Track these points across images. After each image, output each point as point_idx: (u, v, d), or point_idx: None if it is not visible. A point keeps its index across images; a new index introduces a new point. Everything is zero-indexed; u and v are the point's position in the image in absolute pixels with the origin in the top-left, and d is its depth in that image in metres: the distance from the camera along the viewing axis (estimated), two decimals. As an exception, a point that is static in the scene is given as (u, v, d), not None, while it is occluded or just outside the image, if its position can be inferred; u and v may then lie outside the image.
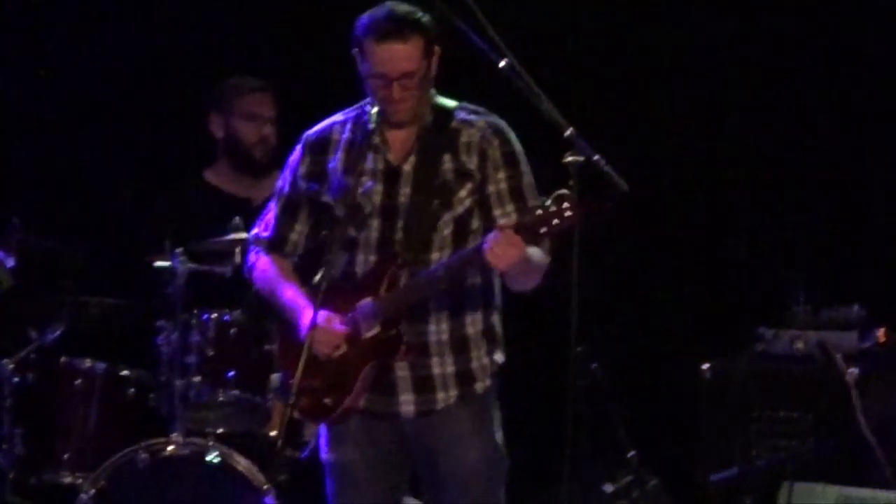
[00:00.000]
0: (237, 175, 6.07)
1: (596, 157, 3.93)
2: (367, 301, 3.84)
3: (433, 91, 4.07)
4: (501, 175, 3.97)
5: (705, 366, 6.54)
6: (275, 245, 4.15)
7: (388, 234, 3.92)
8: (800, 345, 8.15)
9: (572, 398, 4.37)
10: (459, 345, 3.96)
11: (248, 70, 6.72)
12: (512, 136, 4.08)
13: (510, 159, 4.02)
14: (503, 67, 4.02)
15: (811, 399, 6.75)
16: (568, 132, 3.97)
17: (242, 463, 4.91)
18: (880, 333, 7.83)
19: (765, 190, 7.75)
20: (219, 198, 6.01)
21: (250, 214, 4.80)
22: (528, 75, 4.12)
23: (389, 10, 3.92)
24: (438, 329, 3.94)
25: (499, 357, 4.10)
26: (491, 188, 3.95)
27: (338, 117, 4.14)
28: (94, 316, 5.96)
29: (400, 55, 3.84)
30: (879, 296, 8.82)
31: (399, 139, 3.99)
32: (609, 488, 5.92)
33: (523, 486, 6.66)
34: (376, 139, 3.98)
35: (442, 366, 3.94)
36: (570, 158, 3.84)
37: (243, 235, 4.99)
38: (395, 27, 3.85)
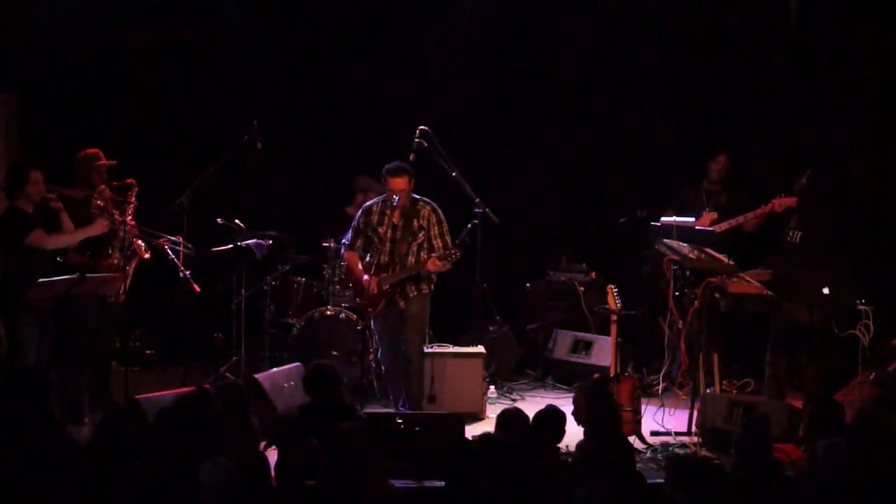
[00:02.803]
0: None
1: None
2: (376, 279, 8.77)
3: (411, 193, 8.81)
4: (435, 230, 8.82)
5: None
6: (352, 246, 8.97)
7: (392, 248, 8.83)
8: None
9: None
10: (416, 286, 8.85)
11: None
12: (439, 210, 8.88)
13: (439, 222, 8.85)
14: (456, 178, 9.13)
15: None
16: (477, 200, 9.21)
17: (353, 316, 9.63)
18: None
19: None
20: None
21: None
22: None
23: (396, 163, 8.80)
24: (414, 283, 8.84)
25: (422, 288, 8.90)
26: (433, 233, 8.81)
27: (377, 199, 8.93)
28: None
29: (399, 185, 8.71)
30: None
31: (397, 212, 8.81)
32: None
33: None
34: (388, 211, 8.82)
35: (410, 291, 8.84)
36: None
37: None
38: (397, 171, 8.74)
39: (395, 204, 8.61)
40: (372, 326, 8.99)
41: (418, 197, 8.73)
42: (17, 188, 8.29)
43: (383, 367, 8.96)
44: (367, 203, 8.89)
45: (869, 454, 5.87)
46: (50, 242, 8.31)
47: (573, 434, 6.81)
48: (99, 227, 8.51)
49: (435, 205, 8.78)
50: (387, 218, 8.72)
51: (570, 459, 6.64)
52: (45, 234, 8.27)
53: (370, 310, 8.77)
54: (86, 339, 8.64)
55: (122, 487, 5.67)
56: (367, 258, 8.85)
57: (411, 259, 8.68)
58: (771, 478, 5.93)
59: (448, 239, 8.73)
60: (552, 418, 6.47)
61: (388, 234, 8.71)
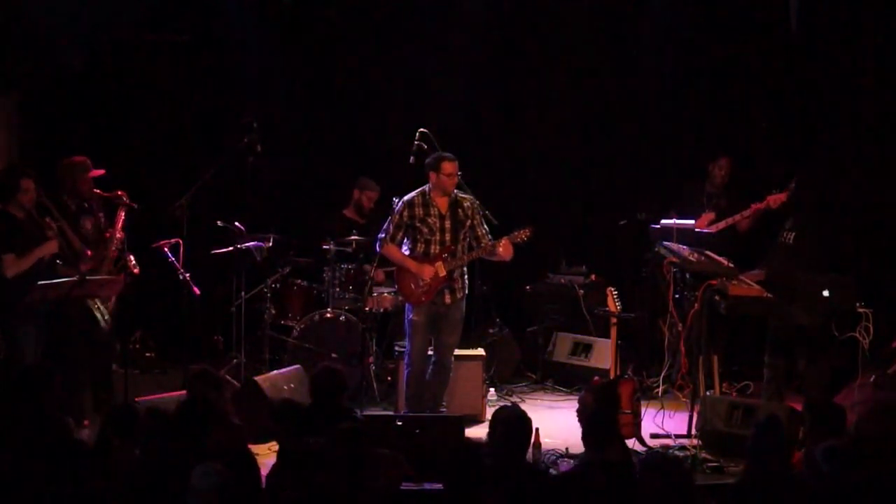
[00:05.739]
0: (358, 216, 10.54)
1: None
2: (439, 263, 8.64)
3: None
4: (478, 219, 8.77)
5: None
6: (392, 239, 8.73)
7: (441, 239, 8.68)
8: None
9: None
10: (461, 281, 8.78)
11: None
12: (477, 203, 8.83)
13: (479, 211, 8.80)
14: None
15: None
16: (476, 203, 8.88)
17: (353, 319, 9.70)
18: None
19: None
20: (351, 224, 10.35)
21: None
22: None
23: (442, 153, 8.78)
24: (460, 276, 8.75)
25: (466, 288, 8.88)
26: (476, 221, 8.75)
27: (415, 193, 8.71)
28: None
29: (455, 169, 8.66)
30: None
31: (443, 203, 8.72)
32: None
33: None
34: (432, 202, 8.71)
35: (457, 288, 8.72)
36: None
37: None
38: (452, 157, 8.69)
39: (443, 193, 8.57)
40: (411, 317, 8.67)
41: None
42: (7, 195, 8.27)
43: (407, 360, 8.71)
44: (406, 197, 8.70)
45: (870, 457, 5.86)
46: (10, 271, 8.11)
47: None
48: (50, 248, 8.30)
49: (472, 196, 8.78)
50: (432, 209, 8.62)
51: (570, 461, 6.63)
52: (14, 260, 8.10)
53: (424, 298, 8.58)
54: (83, 341, 8.63)
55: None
56: (408, 251, 8.69)
57: (461, 247, 8.61)
58: (786, 484, 5.85)
59: (487, 228, 8.71)
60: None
61: (438, 225, 8.60)
